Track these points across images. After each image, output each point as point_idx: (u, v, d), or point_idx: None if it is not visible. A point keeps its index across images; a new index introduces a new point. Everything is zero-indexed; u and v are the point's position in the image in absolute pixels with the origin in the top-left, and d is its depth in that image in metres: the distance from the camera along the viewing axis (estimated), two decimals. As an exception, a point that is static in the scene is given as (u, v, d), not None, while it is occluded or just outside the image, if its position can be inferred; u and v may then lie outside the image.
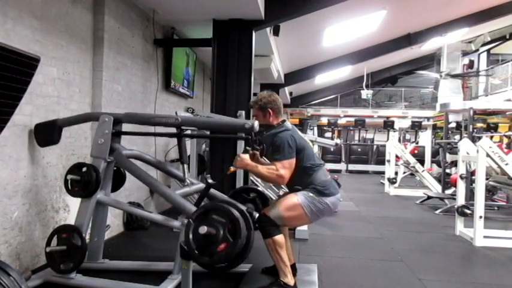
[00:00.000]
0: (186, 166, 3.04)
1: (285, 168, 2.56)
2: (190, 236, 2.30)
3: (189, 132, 3.14)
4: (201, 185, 3.17)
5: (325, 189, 2.65)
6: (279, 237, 2.60)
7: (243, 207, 2.44)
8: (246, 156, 2.62)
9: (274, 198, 3.69)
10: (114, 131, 2.94)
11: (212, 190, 3.01)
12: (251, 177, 4.78)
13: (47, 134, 3.05)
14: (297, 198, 2.62)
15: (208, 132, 3.85)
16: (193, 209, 2.57)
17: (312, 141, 6.10)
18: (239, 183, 4.44)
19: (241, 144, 4.45)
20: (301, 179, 2.66)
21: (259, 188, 3.23)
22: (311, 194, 2.62)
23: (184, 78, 6.27)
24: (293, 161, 2.61)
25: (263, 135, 2.75)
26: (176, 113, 2.95)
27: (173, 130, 2.94)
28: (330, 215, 2.78)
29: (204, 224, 2.26)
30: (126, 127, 3.16)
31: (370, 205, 7.10)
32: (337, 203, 2.76)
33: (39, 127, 3.03)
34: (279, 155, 2.59)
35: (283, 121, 2.80)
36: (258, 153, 2.73)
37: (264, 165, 2.67)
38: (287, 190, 2.96)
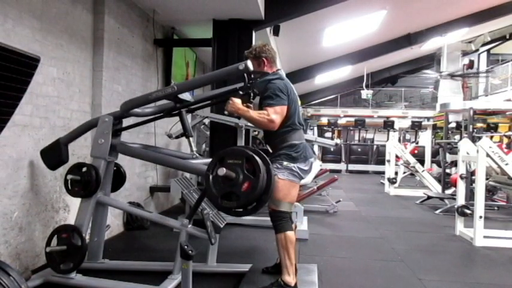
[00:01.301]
0: (192, 139, 3.02)
1: (276, 113, 2.56)
2: (212, 184, 2.30)
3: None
4: (209, 160, 3.14)
5: (299, 154, 2.66)
6: (291, 234, 2.62)
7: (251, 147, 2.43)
8: (238, 101, 2.60)
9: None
10: (113, 129, 2.93)
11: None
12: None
13: (54, 156, 3.02)
14: (277, 177, 2.59)
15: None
16: (206, 166, 2.53)
17: (312, 141, 6.10)
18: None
19: (241, 139, 4.45)
20: (278, 132, 2.64)
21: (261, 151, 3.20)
22: (285, 163, 2.63)
23: (183, 75, 6.28)
24: (285, 108, 2.60)
25: (257, 81, 2.73)
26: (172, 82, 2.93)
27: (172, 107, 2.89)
28: (307, 174, 2.80)
29: (221, 167, 2.27)
30: (125, 124, 3.15)
31: (370, 205, 7.10)
32: (311, 165, 2.79)
33: (45, 152, 3.01)
34: (271, 100, 2.58)
35: (278, 70, 2.81)
36: (251, 106, 2.69)
37: (256, 111, 2.64)
38: None
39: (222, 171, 2.25)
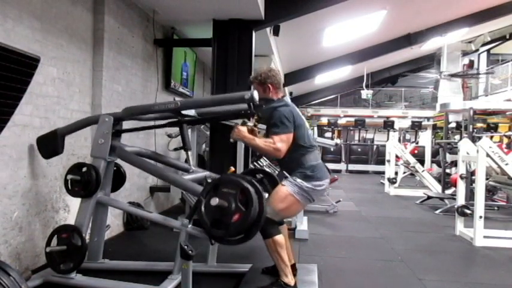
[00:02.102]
0: (190, 153, 3.02)
1: (282, 142, 2.55)
2: (203, 211, 2.30)
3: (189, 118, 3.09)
4: (207, 173, 3.16)
5: (314, 173, 2.65)
6: (279, 237, 2.60)
7: (249, 177, 2.44)
8: (244, 129, 2.60)
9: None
10: (114, 130, 2.94)
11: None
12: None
13: (49, 145, 3.03)
14: (285, 188, 2.61)
15: (209, 131, 3.82)
16: (201, 188, 2.55)
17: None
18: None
19: (241, 145, 4.46)
20: (292, 156, 2.64)
21: (266, 169, 3.21)
22: (298, 180, 2.62)
23: (183, 75, 6.27)
24: (290, 135, 2.59)
25: (262, 109, 2.72)
26: (174, 98, 2.95)
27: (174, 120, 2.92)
28: (318, 196, 2.78)
29: (215, 197, 2.27)
30: (125, 125, 3.16)
31: (370, 205, 7.10)
32: (326, 187, 2.76)
33: (41, 140, 3.01)
34: (277, 128, 2.57)
35: (283, 96, 2.79)
36: (256, 129, 2.70)
37: (262, 138, 2.65)
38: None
39: (215, 201, 2.26)
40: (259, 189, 2.35)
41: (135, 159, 2.96)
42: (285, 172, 2.77)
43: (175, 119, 2.93)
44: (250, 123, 2.64)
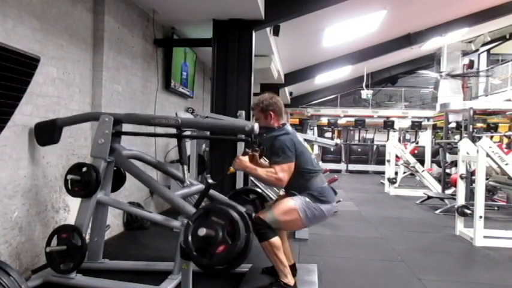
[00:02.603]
0: (185, 167, 3.04)
1: (283, 171, 2.57)
2: (190, 237, 2.31)
3: (189, 133, 3.14)
4: (201, 186, 3.17)
5: (322, 195, 2.66)
6: (275, 240, 2.60)
7: (242, 209, 2.44)
8: (245, 159, 2.63)
9: (274, 198, 3.69)
10: (114, 131, 2.94)
11: (212, 191, 3.01)
12: (251, 177, 4.78)
13: (46, 133, 3.05)
14: (293, 202, 2.62)
15: (208, 133, 3.83)
16: (193, 210, 2.57)
17: (312, 141, 6.10)
18: (239, 183, 4.44)
19: (241, 145, 4.47)
20: (298, 183, 2.67)
21: (258, 190, 3.23)
22: (307, 199, 2.63)
23: (183, 75, 6.27)
24: (292, 164, 2.61)
25: (263, 137, 2.75)
26: (176, 114, 2.96)
27: (173, 130, 2.95)
28: (322, 221, 2.79)
29: (203, 226, 2.27)
30: (126, 127, 3.16)
31: (370, 205, 7.10)
32: (332, 210, 2.77)
33: (39, 126, 3.03)
34: (278, 158, 2.59)
35: (284, 124, 2.81)
36: (257, 154, 2.73)
37: (263, 168, 2.68)
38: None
39: (202, 231, 2.26)
40: (248, 222, 2.36)
41: (130, 167, 2.94)
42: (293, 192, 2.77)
43: (174, 133, 2.95)
44: (251, 150, 2.70)
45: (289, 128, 2.79)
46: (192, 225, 2.32)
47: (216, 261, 2.28)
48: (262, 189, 3.21)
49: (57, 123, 3.07)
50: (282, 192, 4.42)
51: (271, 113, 2.75)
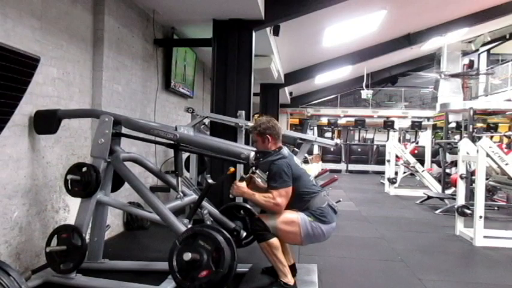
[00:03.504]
0: (180, 179, 3.03)
1: (281, 197, 2.59)
2: (174, 258, 2.35)
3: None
4: (194, 197, 3.18)
5: (322, 216, 2.67)
6: (274, 240, 2.61)
7: (228, 235, 2.45)
8: (243, 184, 2.68)
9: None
10: (114, 131, 2.94)
11: (204, 203, 3.01)
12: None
13: (45, 122, 3.06)
14: (297, 216, 2.64)
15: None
16: (182, 228, 2.58)
17: (312, 141, 6.08)
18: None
19: (241, 141, 4.46)
20: (298, 205, 2.68)
21: (248, 206, 3.28)
22: (309, 218, 2.65)
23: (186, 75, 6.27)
24: (289, 189, 2.63)
25: (260, 162, 2.77)
26: (176, 128, 2.95)
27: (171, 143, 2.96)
28: (320, 241, 2.79)
29: (189, 250, 2.31)
30: (125, 129, 3.15)
31: (370, 205, 7.10)
32: (331, 232, 2.76)
33: (39, 114, 3.04)
34: (275, 183, 2.61)
35: (280, 147, 2.82)
36: (255, 177, 2.79)
37: (261, 194, 2.69)
38: None
39: (187, 256, 2.29)
40: (234, 250, 2.38)
41: (126, 174, 2.92)
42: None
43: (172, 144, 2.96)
44: (248, 175, 2.77)
45: (285, 151, 2.81)
46: (179, 247, 2.36)
47: (197, 285, 2.31)
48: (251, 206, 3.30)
49: (57, 114, 3.09)
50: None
51: (269, 136, 2.78)
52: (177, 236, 2.50)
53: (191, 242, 2.37)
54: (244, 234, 2.81)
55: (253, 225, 2.67)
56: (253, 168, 2.78)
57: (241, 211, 3.23)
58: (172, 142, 2.93)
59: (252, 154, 2.57)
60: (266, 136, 2.78)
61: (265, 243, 2.59)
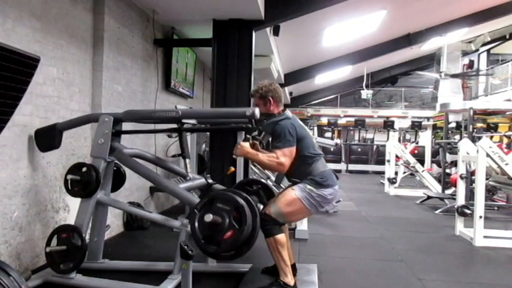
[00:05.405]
0: (188, 161, 3.03)
1: (285, 156, 2.56)
2: (196, 225, 2.30)
3: (189, 126, 3.12)
4: (203, 180, 3.16)
5: (324, 180, 2.64)
6: (281, 237, 2.61)
7: (245, 194, 2.44)
8: (246, 145, 2.63)
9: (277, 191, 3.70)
10: (114, 130, 2.94)
11: (216, 185, 3.00)
12: (251, 177, 4.78)
13: (47, 139, 3.04)
14: (295, 192, 2.62)
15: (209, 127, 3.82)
16: (197, 200, 2.56)
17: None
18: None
19: (241, 137, 4.45)
20: (300, 168, 2.66)
21: (262, 180, 3.22)
22: (309, 187, 2.62)
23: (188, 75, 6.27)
24: (293, 149, 2.60)
25: (264, 124, 2.75)
26: (176, 107, 2.95)
27: (174, 126, 2.93)
28: (327, 205, 2.78)
29: (209, 213, 2.27)
30: (125, 126, 3.16)
31: (370, 205, 7.10)
32: (336, 194, 2.75)
33: (39, 132, 3.02)
34: (279, 142, 2.59)
35: (284, 110, 2.80)
36: (257, 143, 2.72)
37: (265, 154, 2.67)
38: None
39: (209, 217, 2.26)
40: (254, 207, 2.36)
41: (132, 163, 2.94)
42: (295, 180, 2.76)
43: (175, 127, 2.94)
44: (251, 138, 2.68)
45: (289, 113, 2.79)
46: (198, 214, 2.32)
47: (224, 248, 2.29)
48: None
49: (56, 128, 3.05)
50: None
51: (271, 99, 2.76)
52: (193, 206, 2.47)
53: (209, 207, 2.34)
54: (261, 207, 2.76)
55: (260, 220, 2.66)
56: (258, 134, 2.72)
57: (255, 186, 3.14)
58: (175, 126, 2.90)
59: (257, 110, 2.51)
60: (268, 99, 2.75)
61: (272, 239, 2.58)
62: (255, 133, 2.76)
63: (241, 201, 2.32)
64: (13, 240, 2.85)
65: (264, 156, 2.61)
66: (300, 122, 2.79)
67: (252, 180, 3.28)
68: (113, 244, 3.89)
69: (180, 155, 3.05)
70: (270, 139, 2.73)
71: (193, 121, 2.98)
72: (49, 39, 3.19)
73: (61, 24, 3.35)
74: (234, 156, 2.68)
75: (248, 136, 2.70)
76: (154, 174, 2.93)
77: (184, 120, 2.86)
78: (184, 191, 2.77)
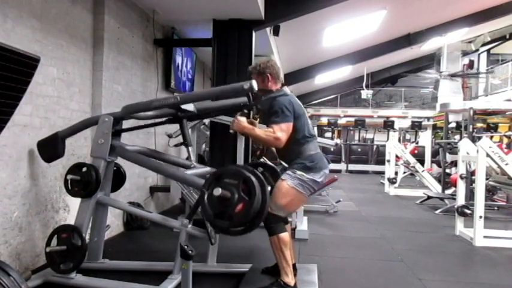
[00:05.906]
0: (191, 149, 3.02)
1: (282, 131, 2.55)
2: (206, 202, 2.30)
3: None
4: (208, 169, 3.15)
5: (314, 164, 2.65)
6: (284, 235, 2.61)
7: (251, 167, 2.43)
8: (243, 119, 2.61)
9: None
10: (113, 130, 2.94)
11: None
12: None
13: (50, 148, 3.02)
14: (286, 182, 2.61)
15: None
16: (203, 181, 2.54)
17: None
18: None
19: (241, 139, 4.46)
20: (292, 147, 2.65)
21: (267, 162, 3.20)
22: (299, 172, 2.61)
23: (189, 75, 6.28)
24: (290, 124, 2.60)
25: (261, 100, 2.74)
26: (174, 93, 2.94)
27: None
28: (320, 187, 2.78)
29: (217, 187, 2.27)
30: (124, 123, 3.15)
31: (370, 205, 7.10)
32: (326, 175, 2.75)
33: (42, 143, 3.01)
34: (277, 117, 2.58)
35: (282, 86, 2.80)
36: (256, 122, 2.72)
37: (261, 129, 2.65)
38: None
39: (218, 191, 2.25)
40: (261, 178, 2.35)
41: (135, 156, 2.96)
42: (283, 163, 2.75)
43: (174, 115, 2.92)
44: (249, 115, 2.68)
45: (287, 90, 2.78)
46: (207, 192, 2.32)
47: (236, 222, 2.28)
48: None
49: (58, 136, 3.03)
50: None
51: (268, 75, 2.74)
52: (200, 187, 2.47)
53: (217, 184, 2.33)
54: (269, 188, 2.76)
55: (265, 219, 2.66)
56: (255, 111, 2.71)
57: (259, 168, 3.11)
58: (175, 114, 2.88)
59: (255, 82, 2.50)
60: (266, 75, 2.74)
61: (276, 237, 2.58)
62: (254, 111, 2.75)
63: (248, 173, 2.32)
64: (13, 240, 2.85)
65: (260, 131, 2.61)
66: (298, 101, 2.79)
67: (256, 163, 3.25)
68: (113, 244, 3.89)
69: (182, 143, 3.03)
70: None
71: (192, 108, 2.95)
72: (49, 39, 3.19)
73: (61, 24, 3.35)
74: (230, 131, 2.67)
75: (245, 111, 2.69)
76: (158, 164, 2.93)
77: (183, 107, 2.84)
78: (189, 175, 2.77)
